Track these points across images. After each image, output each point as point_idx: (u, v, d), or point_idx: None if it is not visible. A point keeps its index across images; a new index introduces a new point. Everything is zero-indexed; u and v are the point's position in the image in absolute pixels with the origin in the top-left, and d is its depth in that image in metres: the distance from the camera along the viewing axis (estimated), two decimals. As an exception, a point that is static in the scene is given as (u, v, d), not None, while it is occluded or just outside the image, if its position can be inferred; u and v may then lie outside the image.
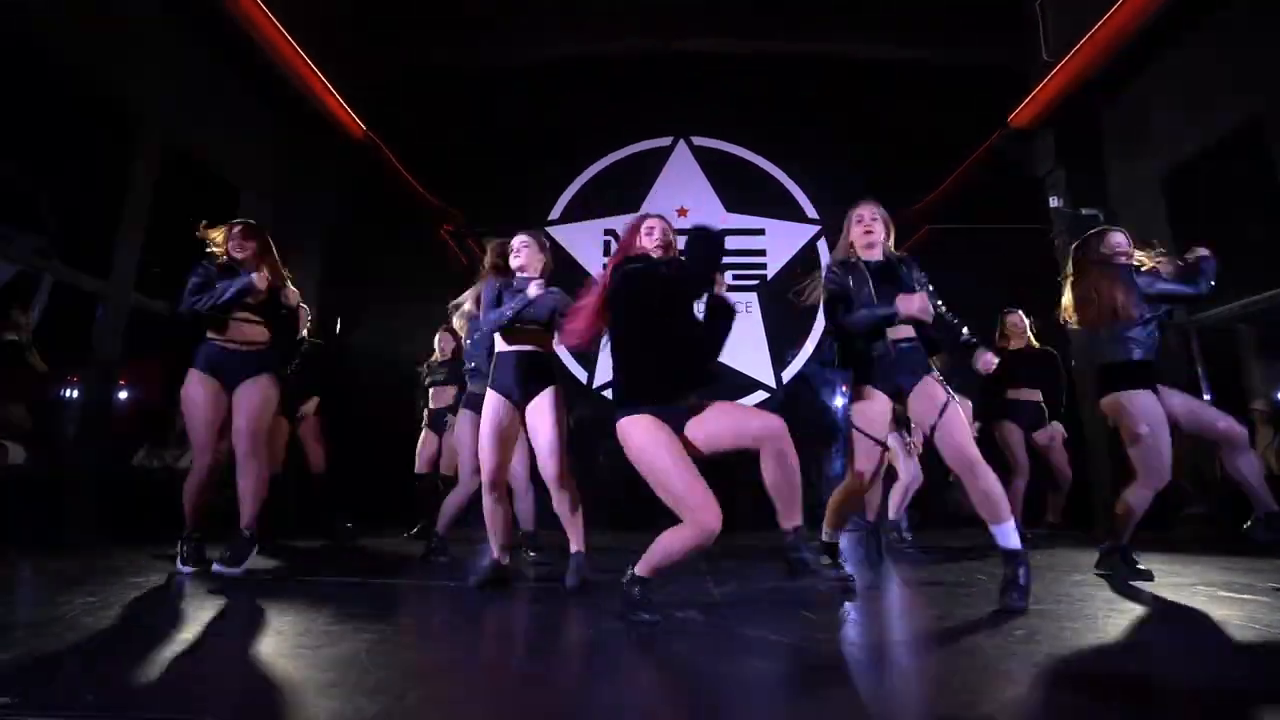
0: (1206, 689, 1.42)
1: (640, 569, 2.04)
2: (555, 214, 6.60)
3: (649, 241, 2.40)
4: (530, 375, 2.72)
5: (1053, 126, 6.34)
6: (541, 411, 2.67)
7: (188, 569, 2.84)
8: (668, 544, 2.00)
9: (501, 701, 1.34)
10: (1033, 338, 4.90)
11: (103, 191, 4.85)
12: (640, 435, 2.04)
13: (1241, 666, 1.58)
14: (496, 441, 2.66)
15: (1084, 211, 6.24)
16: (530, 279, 2.84)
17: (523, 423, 2.73)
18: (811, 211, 6.56)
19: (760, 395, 6.17)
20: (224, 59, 5.69)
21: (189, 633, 1.83)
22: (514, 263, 2.90)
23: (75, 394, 5.05)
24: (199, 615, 2.08)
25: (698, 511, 1.92)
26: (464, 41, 6.75)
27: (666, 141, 6.74)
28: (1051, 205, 6.40)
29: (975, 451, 2.32)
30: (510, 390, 2.71)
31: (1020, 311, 4.98)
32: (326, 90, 5.96)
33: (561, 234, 6.53)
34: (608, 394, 6.24)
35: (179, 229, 5.25)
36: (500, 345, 2.82)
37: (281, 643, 1.72)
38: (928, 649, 1.85)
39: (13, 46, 4.09)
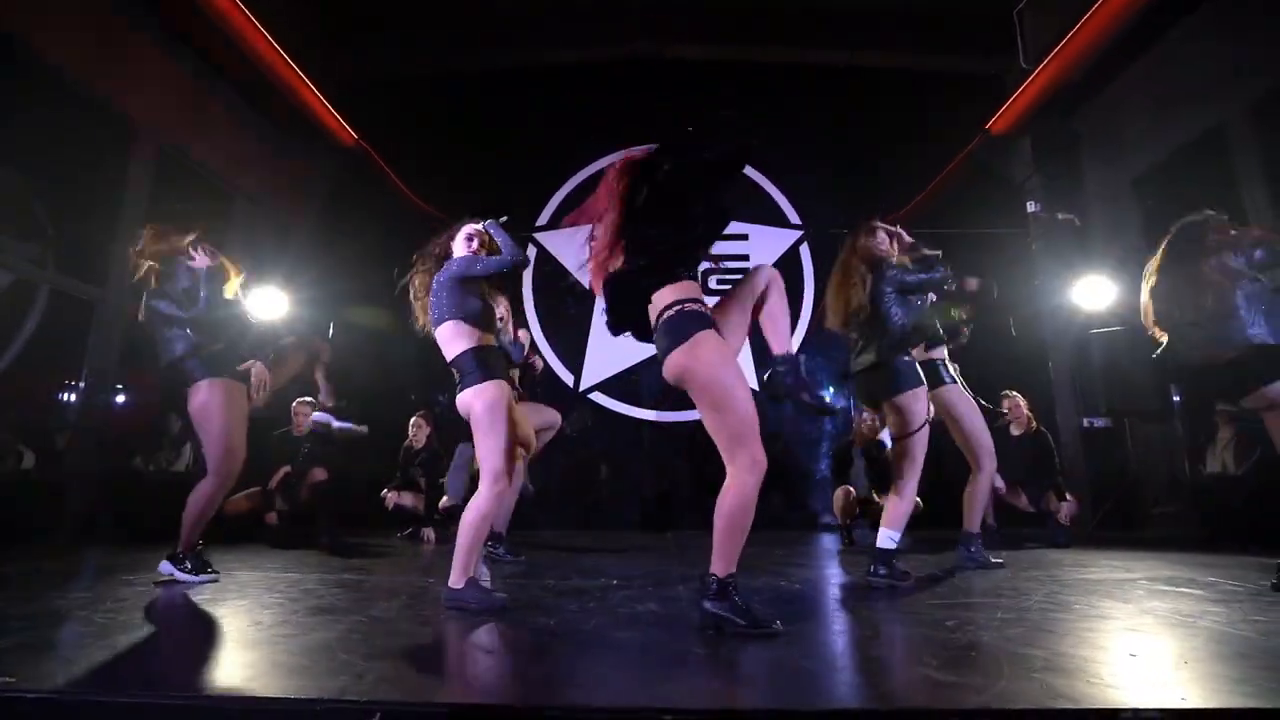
0: (1100, 663, 1.55)
1: (718, 568, 1.86)
2: (543, 219, 6.73)
3: None
4: None
5: (1030, 133, 6.48)
6: None
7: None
8: (732, 508, 1.84)
9: (452, 677, 1.47)
10: (1032, 419, 4.98)
11: (98, 199, 4.98)
12: (714, 348, 1.92)
13: (1148, 650, 1.70)
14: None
15: (1060, 216, 6.39)
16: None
17: None
18: (794, 217, 6.69)
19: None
20: (216, 69, 5.82)
21: (175, 623, 1.96)
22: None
23: (73, 398, 5.16)
24: (187, 608, 2.21)
25: (757, 445, 1.85)
26: (451, 49, 6.88)
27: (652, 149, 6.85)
28: (1029, 210, 6.54)
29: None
30: None
31: (1018, 395, 5.05)
32: (316, 98, 6.10)
33: (549, 240, 6.66)
34: (594, 397, 6.38)
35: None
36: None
37: (260, 633, 1.85)
38: (861, 638, 1.98)
39: (9, 56, 4.21)
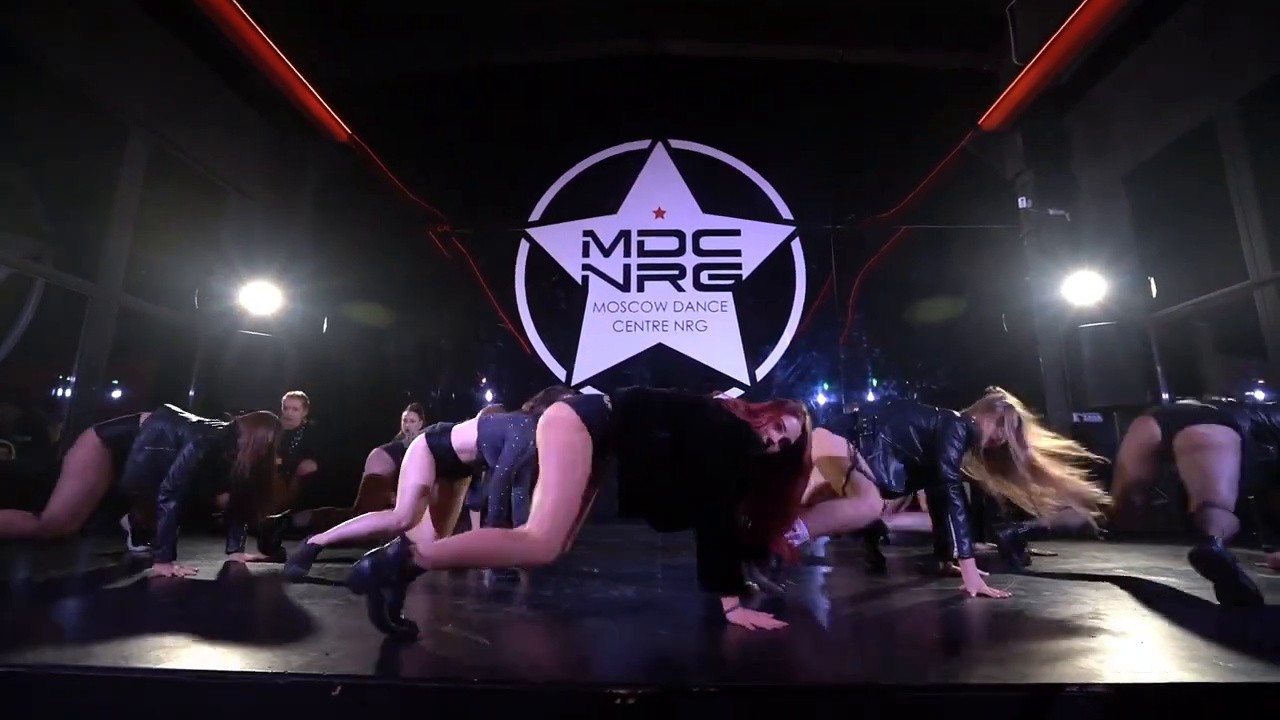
0: (1056, 644, 1.57)
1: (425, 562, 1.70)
2: (536, 215, 6.76)
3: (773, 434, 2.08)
4: None
5: (1021, 129, 6.50)
6: None
7: None
8: (485, 548, 1.87)
9: (416, 656, 1.49)
10: None
11: (93, 195, 5.01)
12: (568, 428, 1.92)
13: (1107, 632, 1.72)
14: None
15: (1051, 211, 6.41)
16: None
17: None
18: (786, 212, 6.71)
19: (734, 392, 6.32)
20: (211, 67, 5.85)
21: (158, 605, 1.99)
22: None
23: (67, 393, 5.18)
24: (172, 592, 2.24)
25: (553, 534, 1.80)
26: (446, 46, 6.90)
27: (645, 144, 6.89)
28: (1020, 206, 6.56)
29: None
30: None
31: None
32: (310, 95, 6.12)
33: (542, 235, 6.68)
34: (586, 390, 6.40)
35: (166, 232, 5.44)
36: None
37: (240, 615, 1.89)
38: (823, 625, 2.01)
39: (5, 54, 4.24)
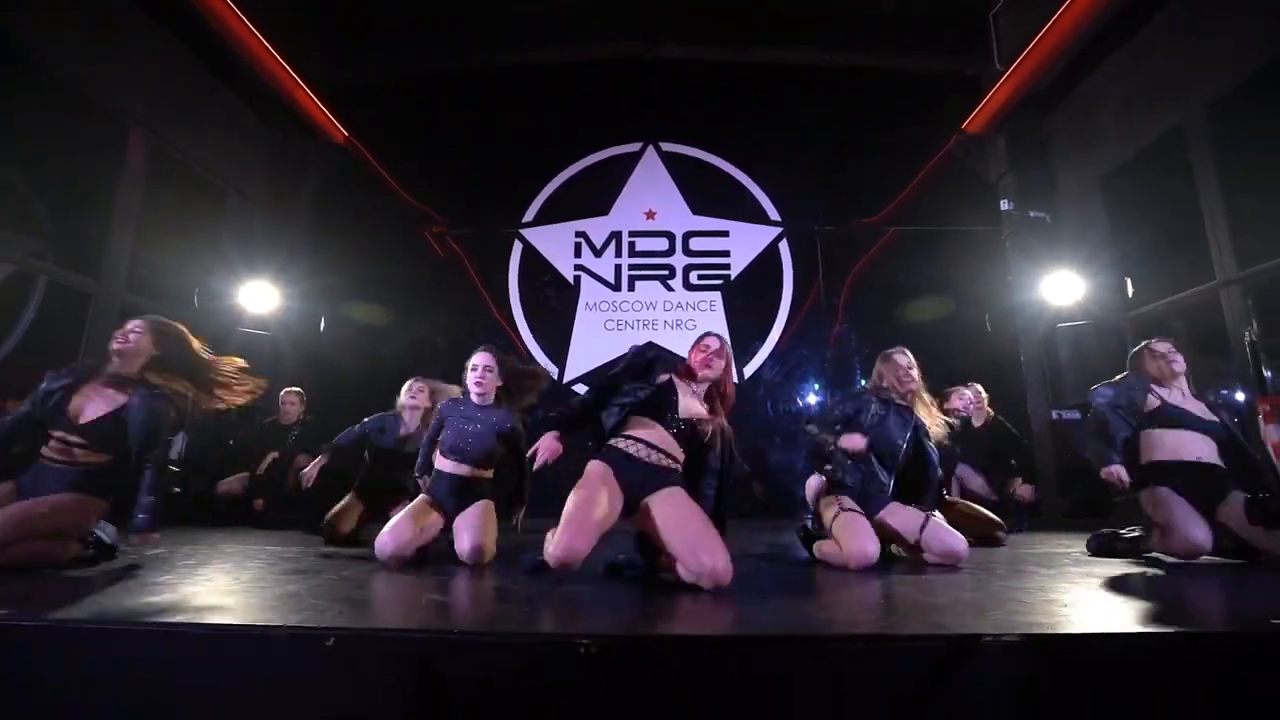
0: (989, 605, 1.71)
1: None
2: (529, 216, 6.90)
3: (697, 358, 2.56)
4: (462, 494, 2.90)
5: (1003, 132, 6.66)
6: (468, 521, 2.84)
7: None
8: None
9: (403, 614, 1.63)
10: (989, 410, 4.78)
11: (94, 194, 5.13)
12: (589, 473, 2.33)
13: (1038, 597, 1.86)
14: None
15: (1032, 213, 6.57)
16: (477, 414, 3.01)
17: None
18: (774, 214, 6.86)
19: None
20: (211, 67, 5.99)
21: (160, 578, 2.12)
22: (472, 382, 3.03)
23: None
24: (171, 569, 2.37)
25: (561, 536, 2.08)
26: (447, 49, 7.05)
27: (636, 147, 7.03)
28: (1002, 208, 6.72)
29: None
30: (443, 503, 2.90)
31: (978, 385, 4.85)
32: (308, 97, 6.26)
33: (535, 235, 6.82)
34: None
35: (167, 233, 5.57)
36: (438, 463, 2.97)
37: (238, 585, 2.01)
38: (783, 591, 2.15)
39: (5, 54, 4.36)
